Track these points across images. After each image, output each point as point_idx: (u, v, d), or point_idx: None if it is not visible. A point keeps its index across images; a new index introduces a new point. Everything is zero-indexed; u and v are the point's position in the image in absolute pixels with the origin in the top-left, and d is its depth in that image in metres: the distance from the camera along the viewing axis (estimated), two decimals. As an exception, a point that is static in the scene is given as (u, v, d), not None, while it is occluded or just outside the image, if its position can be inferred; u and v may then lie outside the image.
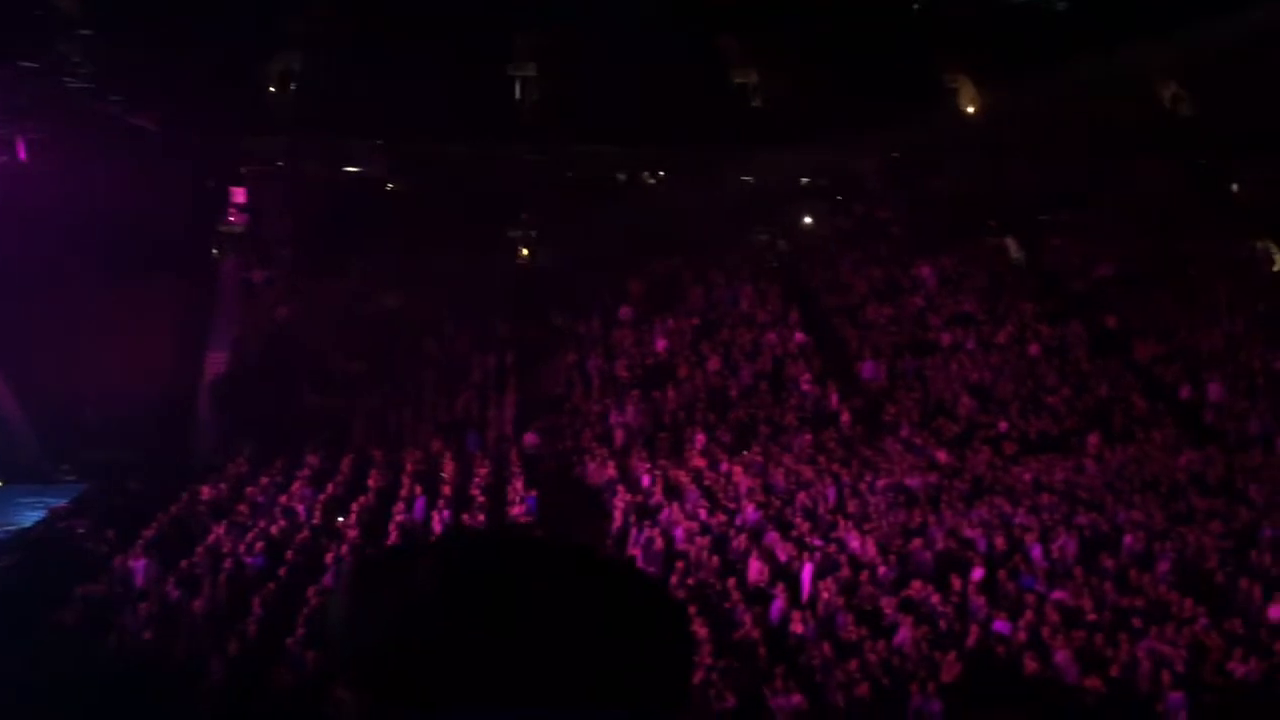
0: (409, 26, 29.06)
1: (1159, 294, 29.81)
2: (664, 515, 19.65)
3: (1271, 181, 32.61)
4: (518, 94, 31.84)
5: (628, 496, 20.68)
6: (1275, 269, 30.72)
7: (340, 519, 19.20)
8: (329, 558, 17.26)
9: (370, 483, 21.00)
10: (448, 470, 21.88)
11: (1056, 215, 33.08)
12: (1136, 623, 14.58)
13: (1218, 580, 16.30)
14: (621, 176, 33.24)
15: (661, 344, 27.96)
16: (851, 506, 20.18)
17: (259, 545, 17.45)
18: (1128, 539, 17.78)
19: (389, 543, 17.09)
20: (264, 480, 21.08)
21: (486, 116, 30.29)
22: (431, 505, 19.73)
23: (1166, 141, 32.20)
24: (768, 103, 32.31)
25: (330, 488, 20.87)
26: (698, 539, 18.30)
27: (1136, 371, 27.23)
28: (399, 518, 19.08)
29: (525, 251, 31.34)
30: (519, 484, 21.17)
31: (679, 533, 18.72)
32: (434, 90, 28.11)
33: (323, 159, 31.75)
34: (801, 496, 20.51)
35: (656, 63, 28.89)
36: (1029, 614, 14.83)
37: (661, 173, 33.24)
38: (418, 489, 20.42)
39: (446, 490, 20.75)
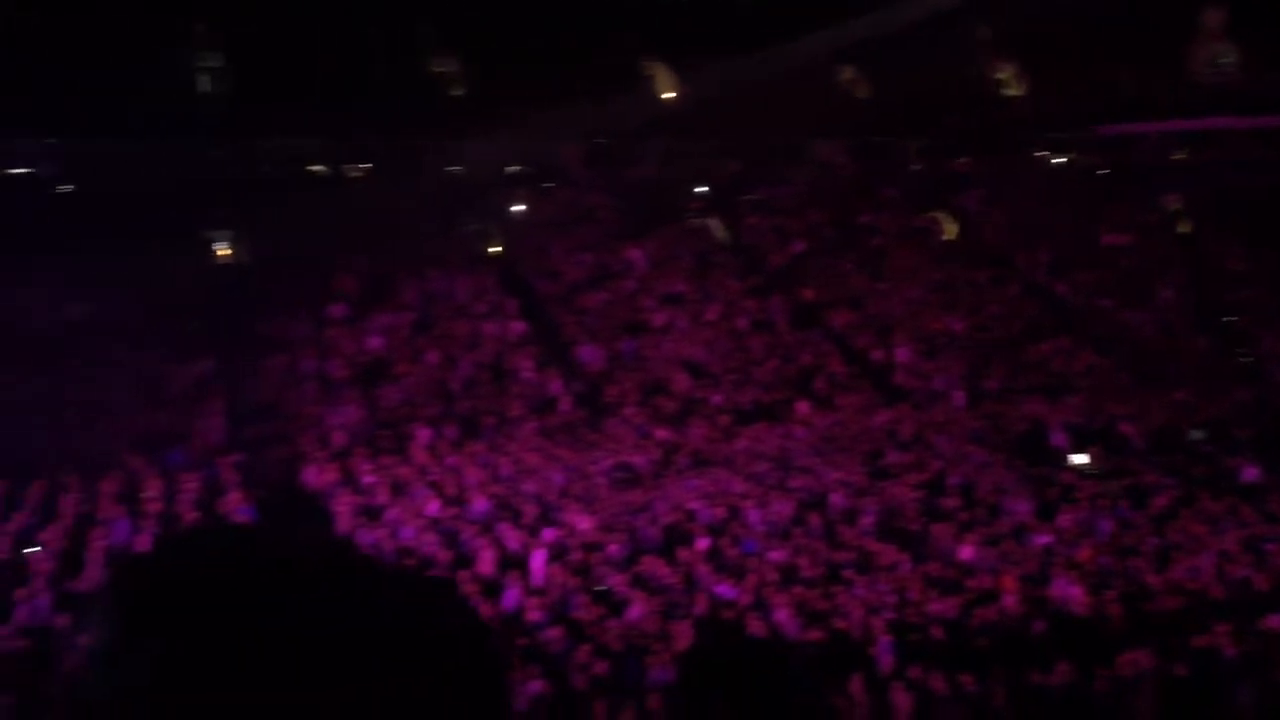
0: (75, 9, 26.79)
1: (847, 265, 31.89)
2: (390, 514, 19.27)
3: (937, 157, 35.59)
4: (202, 86, 30.09)
5: (351, 498, 20.13)
6: (946, 238, 33.46)
7: (28, 550, 17.53)
8: (20, 593, 15.78)
9: (64, 509, 19.31)
10: (152, 489, 20.45)
11: (752, 195, 34.69)
12: (847, 575, 15.58)
13: (914, 528, 17.65)
14: (322, 169, 32.03)
15: (376, 341, 27.33)
16: (578, 489, 20.48)
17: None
18: (835, 497, 18.95)
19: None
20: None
21: (167, 109, 28.37)
22: (136, 528, 18.39)
23: (845, 122, 34.41)
24: (468, 92, 32.10)
25: (18, 518, 19.04)
26: (426, 535, 18.05)
27: (833, 339, 29.03)
28: (99, 544, 17.67)
29: (222, 251, 29.60)
30: (235, 496, 20.09)
31: (407, 531, 18.40)
32: (109, 81, 26.04)
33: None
34: (529, 483, 20.60)
35: (349, 51, 28.06)
36: (751, 577, 15.54)
37: (366, 165, 32.32)
38: (118, 511, 18.96)
39: (153, 509, 19.39)
